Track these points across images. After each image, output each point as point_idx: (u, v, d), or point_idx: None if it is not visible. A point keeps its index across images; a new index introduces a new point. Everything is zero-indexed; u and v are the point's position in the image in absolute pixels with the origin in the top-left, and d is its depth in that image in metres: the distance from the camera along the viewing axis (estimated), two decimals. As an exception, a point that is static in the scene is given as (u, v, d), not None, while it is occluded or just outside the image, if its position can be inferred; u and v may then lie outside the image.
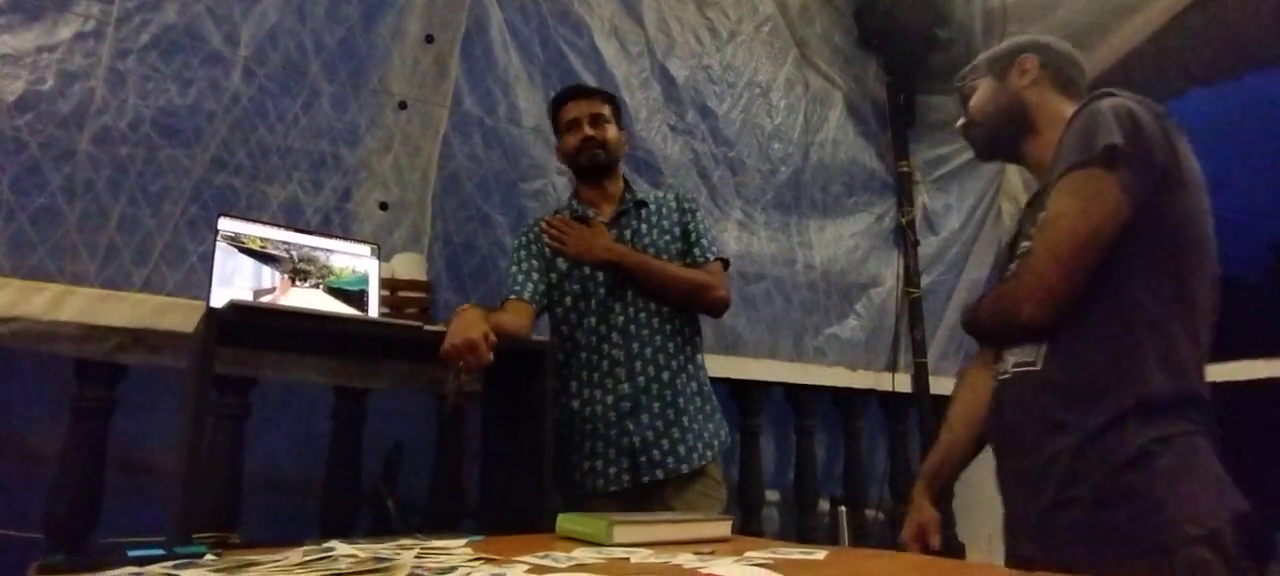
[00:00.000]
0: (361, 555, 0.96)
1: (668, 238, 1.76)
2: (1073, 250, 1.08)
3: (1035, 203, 1.26)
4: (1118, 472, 1.05)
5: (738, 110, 2.60)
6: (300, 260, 1.54)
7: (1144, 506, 1.03)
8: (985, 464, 1.32)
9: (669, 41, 2.47)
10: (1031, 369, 1.15)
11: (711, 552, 0.98)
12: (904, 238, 2.91)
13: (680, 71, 2.47)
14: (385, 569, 0.86)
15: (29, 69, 1.52)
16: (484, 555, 0.98)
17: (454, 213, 2.01)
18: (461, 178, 2.03)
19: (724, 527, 1.19)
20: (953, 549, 2.62)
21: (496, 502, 1.65)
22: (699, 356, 1.79)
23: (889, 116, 2.98)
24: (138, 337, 1.54)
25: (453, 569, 0.86)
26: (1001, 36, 2.80)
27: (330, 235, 1.65)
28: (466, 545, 1.09)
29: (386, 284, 1.68)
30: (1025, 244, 1.21)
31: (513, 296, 1.71)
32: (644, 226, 1.77)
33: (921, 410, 2.75)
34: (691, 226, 1.79)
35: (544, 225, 1.77)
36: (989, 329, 1.27)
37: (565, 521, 1.19)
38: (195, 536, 1.10)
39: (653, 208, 1.79)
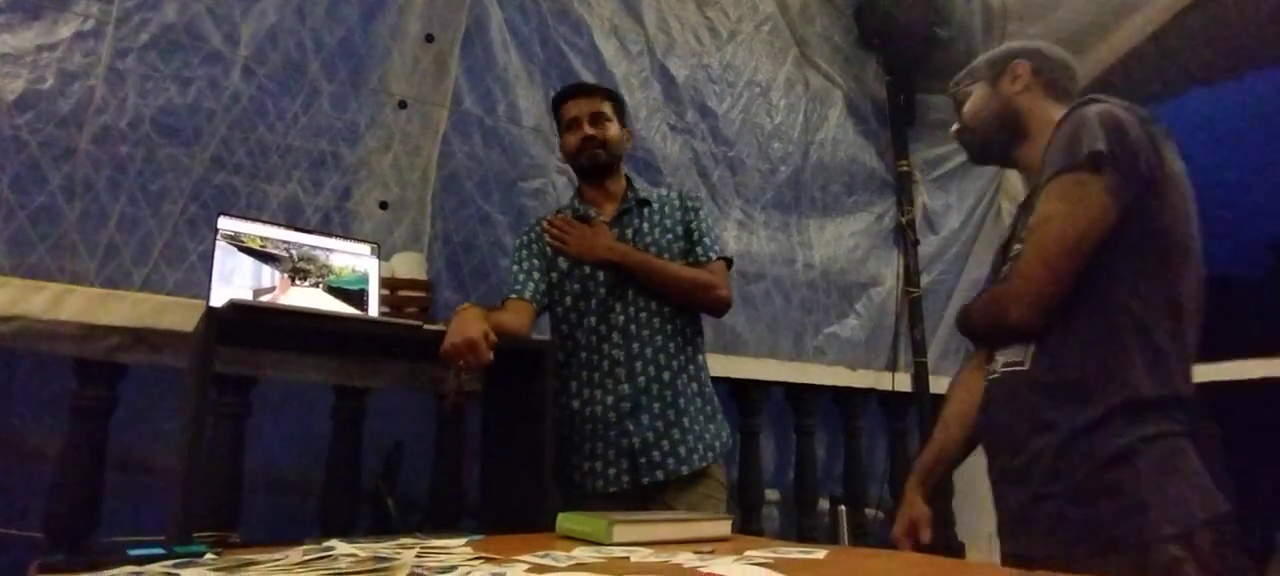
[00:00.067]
0: (361, 554, 0.96)
1: (670, 237, 1.75)
2: (1059, 254, 1.11)
3: (1028, 205, 1.27)
4: (1100, 470, 1.07)
5: (737, 109, 2.60)
6: (300, 259, 1.54)
7: (1122, 503, 1.05)
8: (986, 463, 1.32)
9: (669, 40, 2.47)
10: (1020, 369, 1.18)
11: (711, 552, 0.98)
12: (904, 237, 2.91)
13: (680, 71, 2.47)
14: (385, 569, 0.86)
15: (29, 68, 1.52)
16: (484, 554, 0.99)
17: (454, 212, 2.01)
18: (461, 177, 2.03)
19: (724, 527, 1.20)
20: (952, 548, 2.62)
21: (496, 502, 1.65)
22: (701, 357, 1.78)
23: (889, 115, 2.98)
24: (138, 337, 1.54)
25: (453, 568, 0.86)
26: (1002, 35, 2.80)
27: (330, 234, 1.65)
28: (466, 544, 1.09)
29: (386, 283, 1.68)
30: (1017, 247, 1.23)
31: (513, 295, 1.70)
32: (646, 225, 1.75)
33: (921, 409, 2.75)
34: (694, 225, 1.77)
35: (545, 224, 1.76)
36: (980, 330, 1.30)
37: (565, 520, 1.19)
38: (195, 535, 1.10)
39: (655, 206, 1.78)
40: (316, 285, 1.54)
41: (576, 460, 1.67)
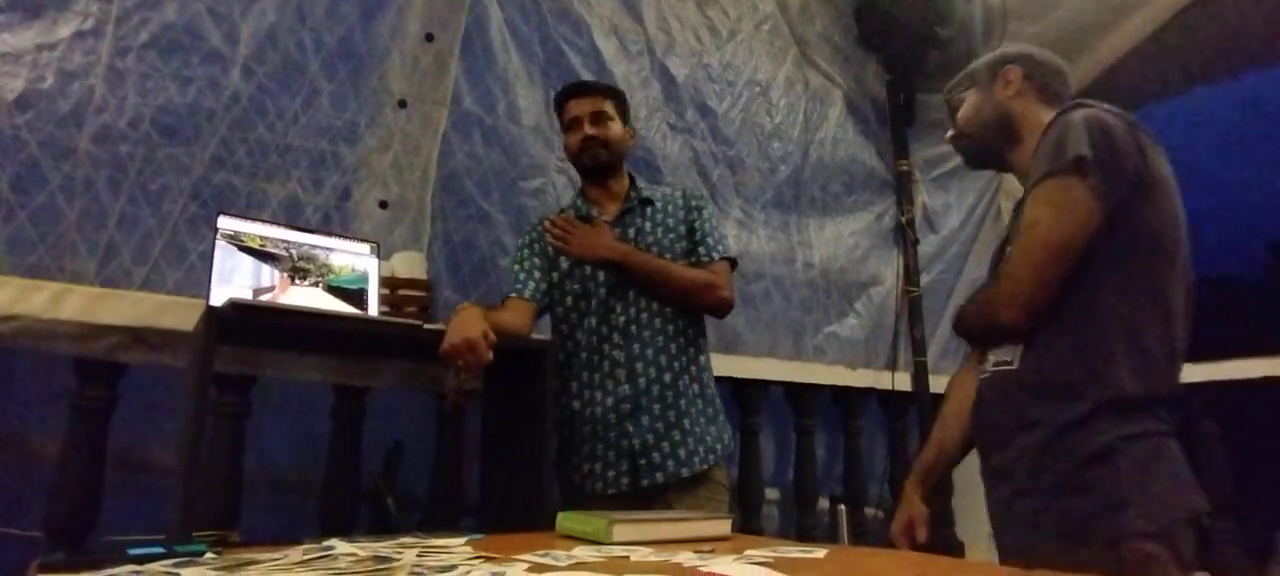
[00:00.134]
0: (361, 554, 0.96)
1: (672, 236, 1.74)
2: (1045, 257, 1.13)
3: (1019, 209, 1.30)
4: (1081, 467, 1.10)
5: (737, 109, 2.59)
6: (300, 258, 1.54)
7: (1100, 499, 1.08)
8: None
9: (669, 40, 2.46)
10: (1008, 368, 1.20)
11: (711, 551, 0.98)
12: (904, 236, 2.91)
13: (680, 70, 2.47)
14: (386, 569, 0.87)
15: (28, 67, 1.52)
16: (484, 553, 0.99)
17: (453, 211, 2.01)
18: (461, 176, 2.03)
19: (724, 526, 1.20)
20: (951, 547, 2.62)
21: (496, 501, 1.65)
22: (702, 358, 1.76)
23: (889, 115, 2.98)
24: (137, 336, 1.54)
25: (453, 567, 0.86)
26: (1002, 35, 2.80)
27: (330, 233, 1.65)
28: (466, 543, 1.09)
29: (386, 282, 1.68)
30: (1010, 249, 1.26)
31: (514, 295, 1.70)
32: (648, 225, 1.74)
33: (921, 409, 2.75)
34: (698, 225, 1.75)
35: (548, 224, 1.75)
36: (973, 331, 1.32)
37: (565, 520, 1.19)
38: (195, 534, 1.10)
39: (659, 205, 1.77)
40: (316, 284, 1.54)
41: (576, 461, 1.67)
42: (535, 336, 1.72)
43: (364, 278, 1.61)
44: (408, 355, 1.75)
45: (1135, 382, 1.10)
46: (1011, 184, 3.22)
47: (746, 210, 2.56)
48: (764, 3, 2.73)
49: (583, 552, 0.97)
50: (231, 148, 1.72)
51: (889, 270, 2.89)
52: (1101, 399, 1.10)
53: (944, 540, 2.58)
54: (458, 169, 2.03)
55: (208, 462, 1.49)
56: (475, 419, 1.82)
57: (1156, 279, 1.13)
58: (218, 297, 1.35)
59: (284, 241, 1.52)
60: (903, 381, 2.78)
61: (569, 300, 1.71)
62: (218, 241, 1.43)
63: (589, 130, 1.73)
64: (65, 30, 1.56)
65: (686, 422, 1.65)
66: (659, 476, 1.61)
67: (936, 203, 3.06)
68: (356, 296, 1.59)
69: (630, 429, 1.62)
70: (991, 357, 1.25)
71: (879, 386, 2.73)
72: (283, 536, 1.15)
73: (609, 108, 1.76)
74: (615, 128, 1.76)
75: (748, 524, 2.26)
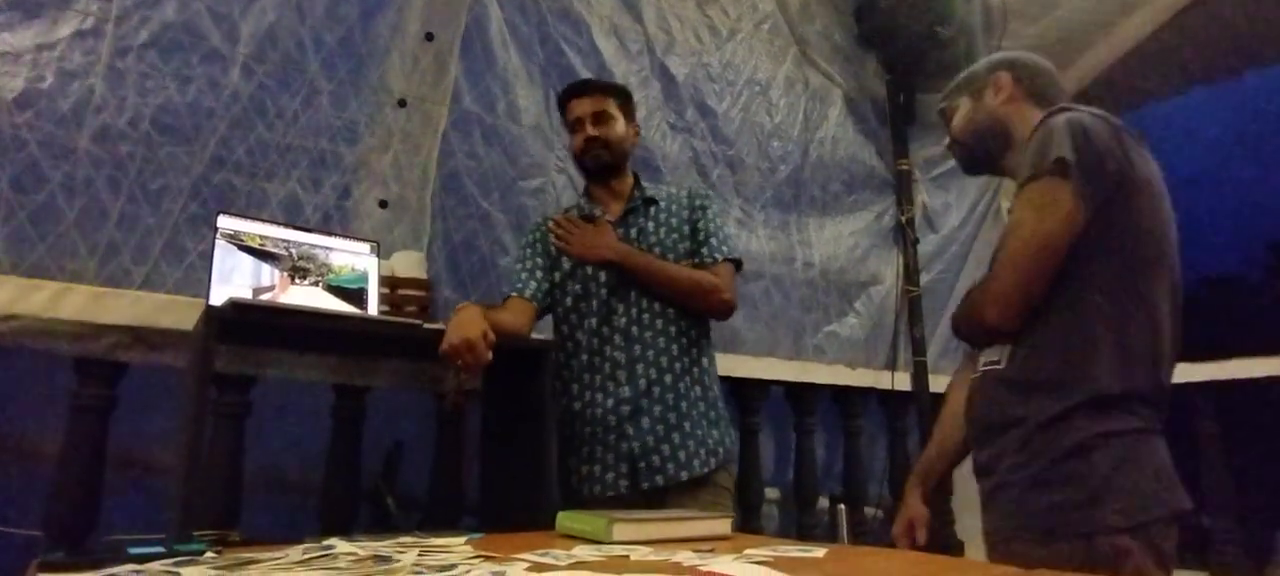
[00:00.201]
0: (361, 553, 0.96)
1: (675, 236, 1.72)
2: (1029, 257, 1.16)
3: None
4: (1060, 461, 1.12)
5: (737, 108, 2.59)
6: (300, 258, 1.54)
7: (1076, 493, 1.10)
8: (975, 461, 1.34)
9: (668, 39, 2.46)
10: (996, 368, 1.23)
11: (711, 550, 0.98)
12: (903, 235, 2.91)
13: (680, 69, 2.46)
14: (386, 569, 0.87)
15: (28, 67, 1.52)
16: (484, 553, 0.99)
17: (453, 211, 2.01)
18: (461, 176, 2.03)
19: (723, 525, 1.20)
20: (951, 546, 2.62)
21: (496, 500, 1.65)
22: (705, 360, 1.73)
23: (889, 114, 2.98)
24: (137, 335, 1.54)
25: (453, 566, 0.86)
26: (1002, 34, 2.80)
27: (330, 233, 1.65)
28: (466, 543, 1.09)
29: (386, 282, 1.68)
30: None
31: (514, 294, 1.70)
32: (651, 225, 1.73)
33: (921, 408, 2.75)
34: (702, 224, 1.73)
35: (551, 224, 1.75)
36: (965, 332, 1.34)
37: (565, 519, 1.19)
38: (195, 534, 1.10)
39: (663, 204, 1.75)
40: (316, 284, 1.54)
41: (575, 463, 1.66)
42: (535, 336, 1.71)
43: (364, 277, 1.61)
44: (408, 355, 1.75)
45: (1116, 380, 1.12)
46: (1011, 185, 3.23)
47: (746, 210, 2.56)
48: (764, 2, 2.72)
49: (583, 552, 0.97)
50: (231, 147, 1.72)
51: (889, 269, 2.89)
52: (1082, 395, 1.12)
53: (943, 539, 2.58)
54: (457, 168, 2.02)
55: (208, 462, 1.49)
56: (475, 419, 1.82)
57: (1140, 278, 1.15)
58: (218, 297, 1.35)
59: (284, 241, 1.52)
60: (902, 381, 2.78)
61: (570, 300, 1.71)
62: (217, 240, 1.43)
63: (591, 131, 1.72)
64: (65, 30, 1.56)
65: (687, 425, 1.63)
66: (658, 479, 1.60)
67: (936, 202, 3.06)
68: (356, 296, 1.59)
69: (630, 431, 1.61)
70: (982, 358, 1.28)
71: (879, 386, 2.73)
72: (283, 536, 1.15)
73: (612, 107, 1.74)
74: (618, 127, 1.74)
75: (747, 523, 2.26)
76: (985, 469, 1.25)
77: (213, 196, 1.68)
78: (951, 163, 3.03)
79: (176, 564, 0.88)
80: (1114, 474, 1.09)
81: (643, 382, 1.63)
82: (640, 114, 2.33)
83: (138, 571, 0.82)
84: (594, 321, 1.67)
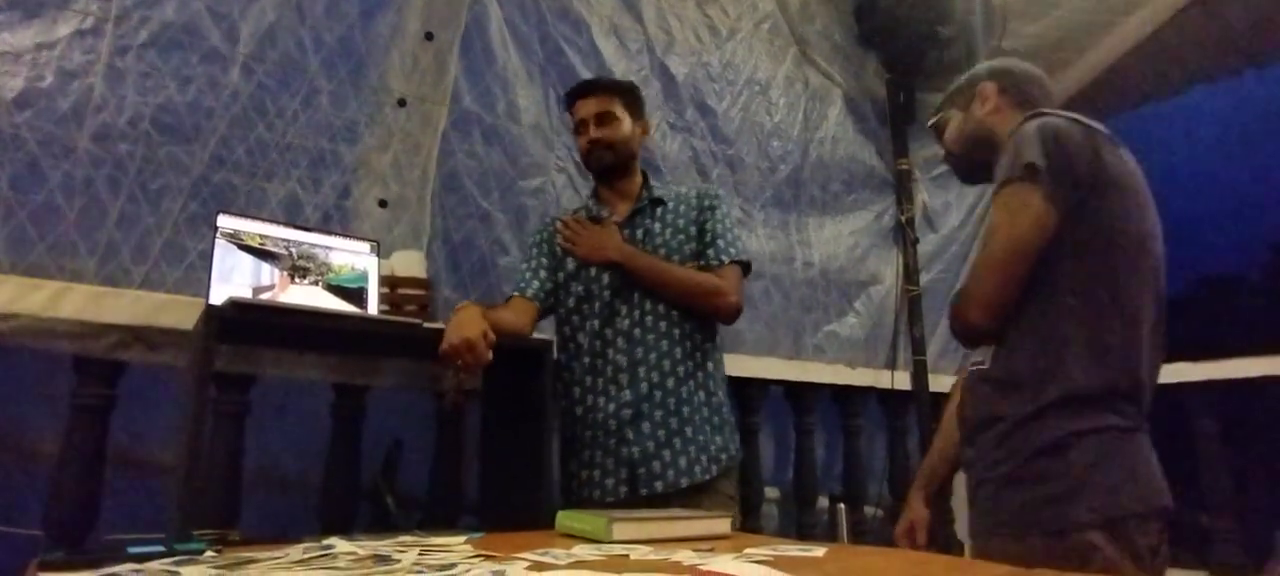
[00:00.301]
0: (361, 552, 0.96)
1: (681, 237, 1.69)
2: (1002, 260, 1.19)
3: None
4: (1034, 458, 1.14)
5: (737, 108, 2.59)
6: (300, 257, 1.54)
7: (1049, 490, 1.12)
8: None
9: (668, 39, 2.46)
10: (982, 368, 1.26)
11: (711, 549, 0.98)
12: (903, 235, 2.91)
13: (679, 69, 2.46)
14: (386, 570, 0.87)
15: (28, 66, 1.52)
16: (484, 552, 0.99)
17: (453, 210, 2.01)
18: (461, 175, 2.03)
19: (723, 525, 1.20)
20: (951, 546, 2.62)
21: (496, 500, 1.65)
22: (710, 364, 1.69)
23: (889, 114, 2.98)
24: (137, 335, 1.54)
25: (453, 565, 0.86)
26: (1002, 34, 2.80)
27: (329, 232, 1.65)
28: (466, 542, 1.09)
29: (386, 281, 1.68)
30: None
31: (517, 293, 1.70)
32: (657, 226, 1.71)
33: (920, 407, 2.75)
34: (709, 225, 1.69)
35: (558, 225, 1.74)
36: (955, 333, 1.37)
37: (565, 518, 1.19)
38: (195, 533, 1.10)
39: (670, 205, 1.73)
40: (316, 283, 1.54)
41: (575, 468, 1.64)
42: (537, 335, 1.71)
43: (363, 276, 1.61)
44: (407, 354, 1.75)
45: (1090, 377, 1.14)
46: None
47: (746, 209, 2.56)
48: (764, 1, 2.72)
49: (582, 551, 0.97)
50: (231, 146, 1.72)
51: (888, 269, 2.89)
52: (1056, 393, 1.14)
53: (943, 539, 2.58)
54: (457, 168, 2.02)
55: (207, 461, 1.49)
56: (475, 418, 1.82)
57: (1116, 277, 1.17)
58: (217, 296, 1.35)
59: (284, 240, 1.52)
60: (902, 380, 2.78)
61: (572, 302, 1.69)
62: (217, 240, 1.43)
63: (594, 133, 1.70)
64: (65, 29, 1.56)
65: (689, 431, 1.60)
66: (658, 486, 1.57)
67: (936, 201, 3.06)
68: (356, 295, 1.59)
69: (630, 436, 1.58)
70: (971, 359, 1.31)
71: (878, 385, 2.73)
72: (282, 534, 1.15)
73: (617, 107, 1.72)
74: (623, 127, 1.71)
75: (747, 522, 2.26)
76: (969, 466, 1.28)
77: (212, 196, 1.68)
78: (951, 162, 3.05)
79: (176, 563, 0.88)
80: (1088, 471, 1.11)
81: (644, 386, 1.60)
82: (640, 114, 2.34)
83: (137, 570, 0.82)
84: (596, 324, 1.65)
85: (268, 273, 1.48)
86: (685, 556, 0.92)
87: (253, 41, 1.76)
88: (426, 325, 1.46)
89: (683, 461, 1.58)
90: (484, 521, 1.64)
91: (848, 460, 2.67)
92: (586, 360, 1.65)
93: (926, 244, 2.99)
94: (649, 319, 1.64)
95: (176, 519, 1.16)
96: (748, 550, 0.97)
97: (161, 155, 1.63)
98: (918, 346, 2.81)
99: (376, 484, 1.81)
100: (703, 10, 2.57)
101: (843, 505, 2.47)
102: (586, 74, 2.19)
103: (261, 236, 1.49)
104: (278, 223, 1.57)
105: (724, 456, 1.64)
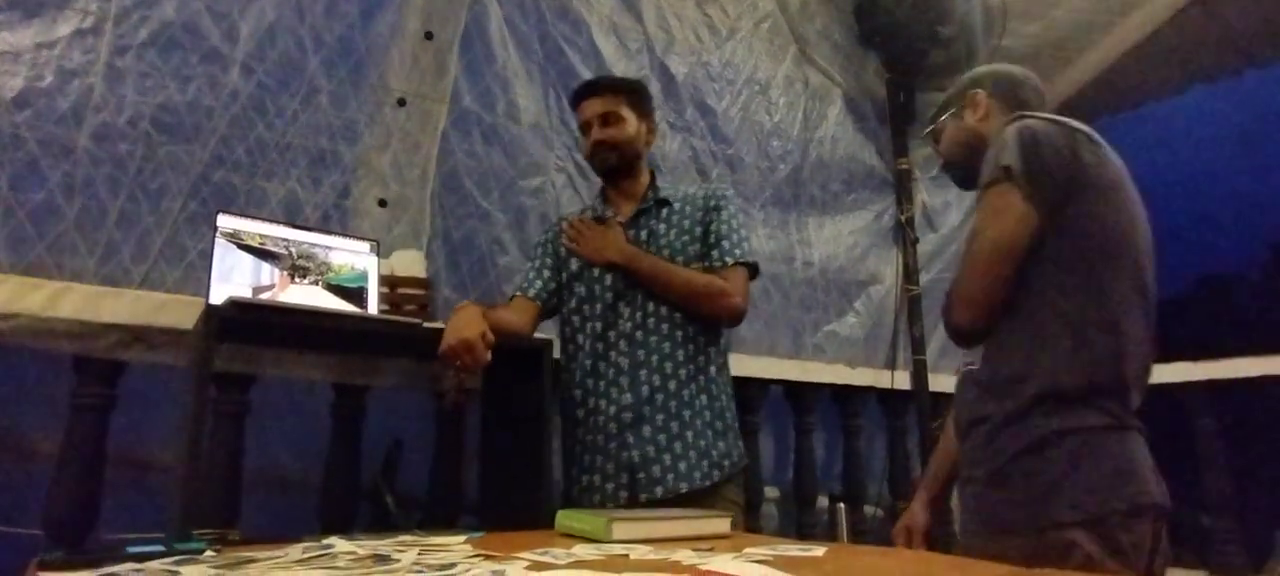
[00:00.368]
0: (361, 552, 0.96)
1: (686, 238, 1.66)
2: (986, 260, 1.21)
3: None
4: (1017, 458, 1.15)
5: (737, 107, 2.59)
6: (299, 257, 1.53)
7: (1031, 489, 1.13)
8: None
9: (668, 38, 2.46)
10: (971, 368, 1.28)
11: (711, 549, 0.98)
12: (903, 235, 2.91)
13: (679, 68, 2.46)
14: (386, 569, 0.87)
15: (27, 66, 1.52)
16: (484, 552, 0.99)
17: (453, 210, 2.01)
18: (460, 175, 2.03)
19: (723, 524, 1.20)
20: (951, 546, 2.62)
21: (495, 499, 1.65)
22: (713, 368, 1.67)
23: (888, 113, 2.98)
24: (137, 334, 1.54)
25: (452, 565, 0.86)
26: (1002, 33, 2.80)
27: (329, 232, 1.65)
28: (466, 541, 1.09)
29: (386, 281, 1.68)
30: None
31: (519, 293, 1.69)
32: (662, 226, 1.69)
33: (920, 407, 2.75)
34: (715, 226, 1.66)
35: (564, 225, 1.73)
36: (949, 333, 1.37)
37: (565, 518, 1.19)
38: (195, 533, 1.10)
39: (676, 206, 1.70)
40: (316, 283, 1.54)
41: (575, 472, 1.63)
42: (538, 335, 1.71)
43: (363, 276, 1.61)
44: (407, 354, 1.75)
45: (1072, 376, 1.14)
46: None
47: (746, 209, 2.56)
48: (763, 1, 2.72)
49: (582, 550, 0.97)
50: (231, 146, 1.72)
51: (888, 268, 2.89)
52: (1039, 392, 1.15)
53: (944, 539, 2.58)
54: (457, 167, 2.02)
55: (208, 461, 1.48)
56: (475, 418, 1.81)
57: (1099, 275, 1.17)
58: (217, 296, 1.35)
59: (283, 239, 1.52)
60: (902, 380, 2.78)
61: (574, 303, 1.69)
62: (217, 239, 1.43)
63: (598, 134, 1.69)
64: (64, 28, 1.56)
65: (690, 435, 1.58)
66: (658, 491, 1.54)
67: (936, 201, 3.06)
68: (356, 295, 1.59)
69: (630, 440, 1.56)
70: (963, 359, 1.32)
71: (878, 385, 2.73)
72: (282, 534, 1.15)
73: (623, 107, 1.70)
74: (628, 127, 1.69)
75: (747, 522, 2.26)
76: (961, 466, 1.29)
77: (212, 195, 1.68)
78: (951, 162, 3.05)
79: (176, 562, 0.88)
80: (1070, 469, 1.11)
81: (645, 389, 1.58)
82: (640, 113, 2.34)
83: (137, 570, 0.82)
84: (598, 325, 1.64)
85: (267, 272, 1.48)
86: (685, 556, 0.92)
87: (252, 41, 1.76)
88: (426, 325, 1.46)
89: (683, 466, 1.56)
90: (484, 521, 1.64)
91: (847, 460, 2.67)
92: (588, 362, 1.64)
93: (926, 243, 2.99)
94: (651, 321, 1.62)
95: (176, 518, 1.16)
96: (747, 550, 0.97)
97: (161, 155, 1.63)
98: (918, 346, 2.81)
99: (376, 484, 1.81)
100: (702, 10, 2.57)
101: (842, 505, 2.47)
102: (586, 73, 2.19)
103: (261, 236, 1.49)
104: (277, 222, 1.57)
105: (727, 462, 1.62)
